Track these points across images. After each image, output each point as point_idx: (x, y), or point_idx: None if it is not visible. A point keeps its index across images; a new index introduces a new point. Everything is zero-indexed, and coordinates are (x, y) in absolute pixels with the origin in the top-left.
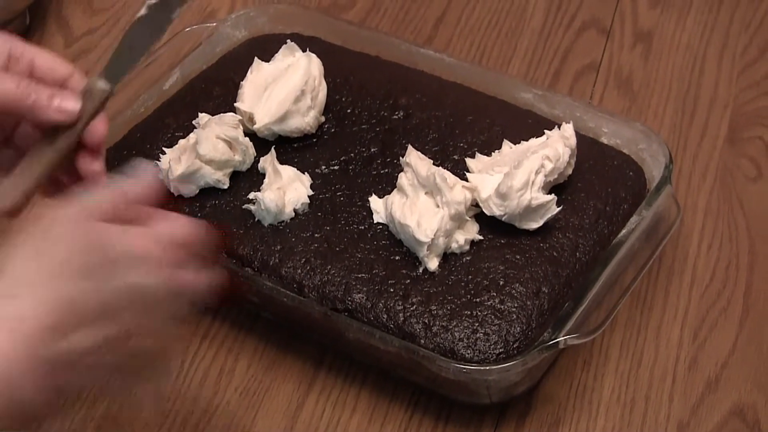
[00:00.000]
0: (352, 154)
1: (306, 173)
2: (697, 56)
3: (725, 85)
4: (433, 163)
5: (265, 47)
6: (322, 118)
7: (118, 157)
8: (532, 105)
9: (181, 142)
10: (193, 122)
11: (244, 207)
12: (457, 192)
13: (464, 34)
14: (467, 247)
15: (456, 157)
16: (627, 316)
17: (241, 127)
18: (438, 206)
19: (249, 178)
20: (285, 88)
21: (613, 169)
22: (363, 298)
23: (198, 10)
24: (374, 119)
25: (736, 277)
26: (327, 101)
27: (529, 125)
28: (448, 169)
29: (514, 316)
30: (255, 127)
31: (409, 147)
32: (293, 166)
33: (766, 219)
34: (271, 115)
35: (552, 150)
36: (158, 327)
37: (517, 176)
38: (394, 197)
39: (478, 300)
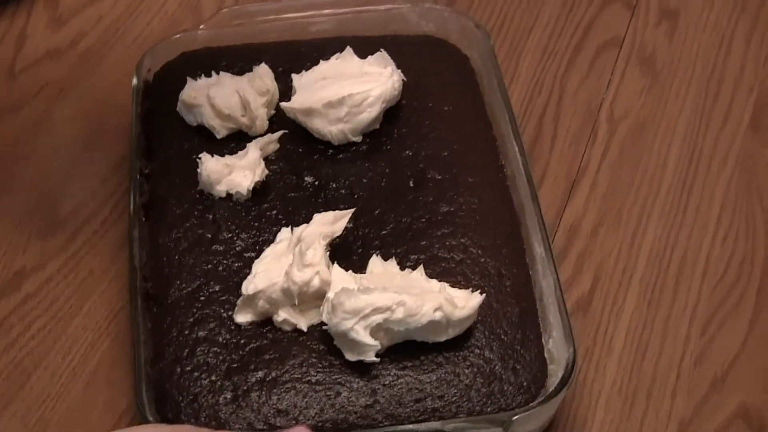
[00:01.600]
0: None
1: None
2: (725, 37)
3: (752, 68)
4: None
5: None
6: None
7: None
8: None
9: (216, 77)
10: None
11: (193, 157)
12: (305, 271)
13: (487, 1)
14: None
15: None
16: (634, 305)
17: (270, 96)
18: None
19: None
20: (338, 88)
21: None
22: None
23: None
24: None
25: (750, 274)
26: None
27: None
28: None
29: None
30: (282, 103)
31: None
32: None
33: None
34: (300, 102)
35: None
36: None
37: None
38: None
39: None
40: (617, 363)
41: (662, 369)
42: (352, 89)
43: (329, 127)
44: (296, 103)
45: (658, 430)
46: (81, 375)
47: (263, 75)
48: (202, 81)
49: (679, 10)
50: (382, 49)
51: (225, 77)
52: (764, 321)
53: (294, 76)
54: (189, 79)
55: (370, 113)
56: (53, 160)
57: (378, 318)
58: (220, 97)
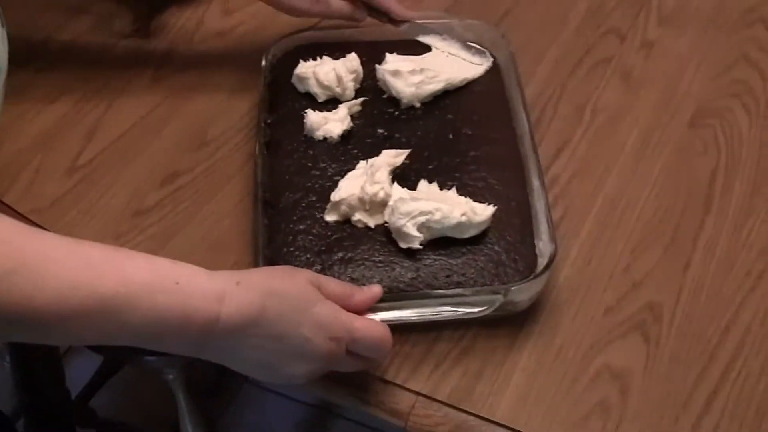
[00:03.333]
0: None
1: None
2: (683, 63)
3: (697, 87)
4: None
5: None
6: (417, 104)
7: (286, 61)
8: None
9: (320, 60)
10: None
11: (300, 112)
12: (374, 186)
13: (521, 24)
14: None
15: None
16: (588, 231)
17: (356, 74)
18: (364, 183)
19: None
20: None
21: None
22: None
23: None
24: None
25: (671, 219)
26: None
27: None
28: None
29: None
30: (378, 65)
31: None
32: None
33: (700, 182)
34: (392, 66)
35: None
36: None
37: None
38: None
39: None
40: (570, 266)
41: (600, 273)
42: (449, 72)
43: (406, 89)
44: (389, 66)
45: (590, 311)
46: (207, 240)
47: (352, 59)
48: (311, 62)
49: (655, 42)
50: (486, 50)
51: (326, 60)
52: (674, 250)
53: (389, 55)
54: (301, 60)
55: (435, 87)
56: (210, 102)
57: (422, 218)
58: (322, 73)
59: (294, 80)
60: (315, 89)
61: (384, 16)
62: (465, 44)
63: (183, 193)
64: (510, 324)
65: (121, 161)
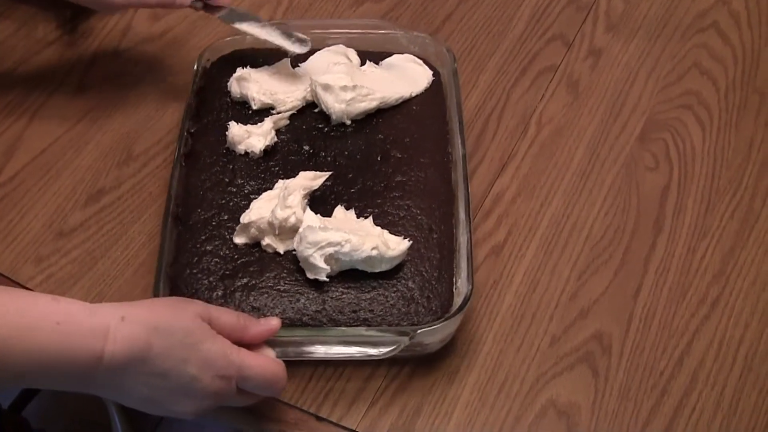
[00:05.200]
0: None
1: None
2: (631, 73)
3: (647, 98)
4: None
5: None
6: (348, 121)
7: (222, 66)
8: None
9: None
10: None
11: (225, 123)
12: (285, 211)
13: (463, 30)
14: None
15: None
16: (533, 254)
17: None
18: (274, 206)
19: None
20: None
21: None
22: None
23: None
24: None
25: (621, 239)
26: None
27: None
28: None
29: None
30: (312, 76)
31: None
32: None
33: (652, 200)
34: (325, 79)
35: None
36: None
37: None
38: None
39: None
40: (514, 293)
41: (545, 300)
42: (390, 89)
43: (336, 105)
44: (321, 78)
45: (535, 342)
46: (132, 264)
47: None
48: (253, 69)
49: (602, 50)
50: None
51: (265, 69)
52: (624, 274)
53: (332, 64)
54: (247, 67)
55: (367, 105)
56: (137, 114)
57: (330, 250)
58: (264, 80)
59: (231, 82)
60: (254, 93)
61: (200, 2)
62: (285, 33)
63: (109, 212)
64: (450, 356)
65: (43, 179)
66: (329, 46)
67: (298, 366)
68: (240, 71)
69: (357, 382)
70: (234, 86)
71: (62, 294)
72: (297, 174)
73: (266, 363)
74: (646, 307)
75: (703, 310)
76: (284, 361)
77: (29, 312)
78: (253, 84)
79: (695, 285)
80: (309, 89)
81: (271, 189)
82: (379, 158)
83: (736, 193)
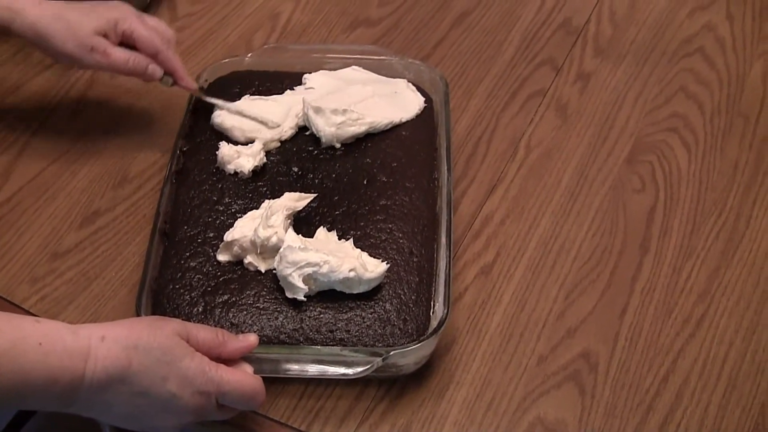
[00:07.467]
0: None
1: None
2: (619, 97)
3: (635, 121)
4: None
5: None
6: (338, 145)
7: (219, 86)
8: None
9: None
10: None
11: (216, 143)
12: (268, 230)
13: (454, 55)
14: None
15: None
16: (521, 274)
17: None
18: (257, 225)
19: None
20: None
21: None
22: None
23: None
24: None
25: (608, 260)
26: None
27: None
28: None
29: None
30: (305, 96)
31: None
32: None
33: (639, 221)
34: (316, 101)
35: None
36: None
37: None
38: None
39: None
40: (503, 312)
41: (533, 319)
42: (380, 114)
43: (326, 128)
44: (313, 101)
45: (523, 361)
46: (127, 285)
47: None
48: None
49: (591, 74)
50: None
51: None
52: (610, 294)
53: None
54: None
55: (357, 129)
56: (133, 136)
57: (309, 270)
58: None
59: (212, 120)
60: (236, 133)
61: (170, 78)
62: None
63: (104, 234)
64: (439, 374)
65: (39, 201)
66: (333, 69)
67: (289, 384)
68: (218, 113)
69: (347, 400)
70: (216, 121)
71: (57, 314)
72: (283, 194)
73: (244, 378)
74: (633, 326)
75: (688, 328)
76: (263, 378)
77: (11, 333)
78: (236, 124)
79: (680, 304)
80: (300, 114)
81: (257, 209)
82: (365, 182)
83: (721, 215)
